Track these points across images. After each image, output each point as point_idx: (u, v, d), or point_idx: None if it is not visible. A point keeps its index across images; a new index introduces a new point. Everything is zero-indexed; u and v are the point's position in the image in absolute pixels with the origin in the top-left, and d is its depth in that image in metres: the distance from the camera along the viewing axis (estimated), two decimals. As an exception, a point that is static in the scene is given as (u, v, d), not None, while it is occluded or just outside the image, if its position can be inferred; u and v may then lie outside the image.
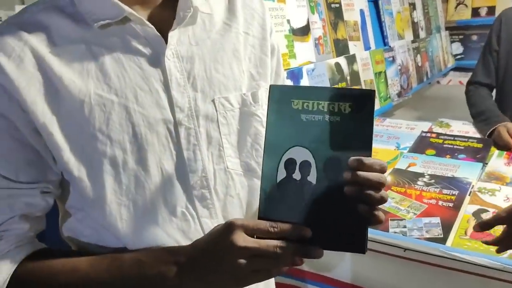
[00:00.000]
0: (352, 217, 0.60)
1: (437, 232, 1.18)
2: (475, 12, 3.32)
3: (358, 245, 0.61)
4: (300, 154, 0.62)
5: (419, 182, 1.38)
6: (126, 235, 0.67)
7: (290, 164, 0.62)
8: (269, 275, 0.62)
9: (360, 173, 0.59)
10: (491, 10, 3.26)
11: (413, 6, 2.59)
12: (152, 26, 0.65)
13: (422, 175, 1.41)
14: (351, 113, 0.61)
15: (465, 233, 1.16)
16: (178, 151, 0.68)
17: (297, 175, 0.62)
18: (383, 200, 0.60)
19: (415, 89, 2.39)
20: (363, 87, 1.85)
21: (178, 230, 0.69)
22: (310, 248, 0.60)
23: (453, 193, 1.31)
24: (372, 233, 1.19)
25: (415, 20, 2.60)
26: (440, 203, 1.28)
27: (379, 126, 1.82)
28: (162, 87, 0.66)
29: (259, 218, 0.62)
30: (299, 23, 1.53)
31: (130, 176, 0.65)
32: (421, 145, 1.61)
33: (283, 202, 0.62)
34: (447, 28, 3.34)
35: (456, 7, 3.41)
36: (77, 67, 0.62)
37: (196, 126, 0.68)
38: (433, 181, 1.38)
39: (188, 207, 0.69)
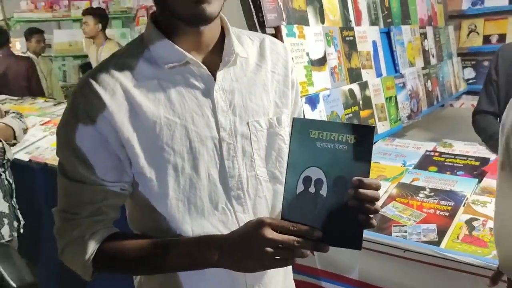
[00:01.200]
0: (352, 223, 0.80)
1: (433, 236, 1.37)
2: (486, 39, 3.50)
3: (356, 243, 0.81)
4: (315, 173, 0.81)
5: (420, 195, 1.57)
6: (181, 224, 0.89)
7: (307, 181, 0.81)
8: (286, 263, 0.82)
9: (361, 190, 0.79)
10: (501, 37, 3.45)
11: (424, 35, 2.80)
12: (205, 67, 0.89)
13: (423, 188, 1.61)
14: (355, 143, 0.80)
15: (457, 237, 1.35)
16: (221, 161, 0.90)
17: (312, 189, 0.81)
18: (376, 211, 0.80)
19: (425, 112, 2.58)
20: (375, 111, 2.06)
21: (219, 222, 0.91)
22: (320, 244, 0.81)
23: (449, 204, 1.50)
24: (377, 236, 1.40)
25: (426, 48, 2.81)
26: (437, 212, 1.47)
27: (389, 145, 2.02)
28: (211, 113, 0.89)
29: (282, 219, 0.82)
30: (316, 55, 1.77)
31: (186, 178, 0.88)
32: (424, 162, 1.81)
33: (301, 209, 0.81)
34: (459, 54, 3.52)
35: (468, 35, 3.61)
36: (151, 97, 0.86)
37: (234, 142, 0.91)
38: (432, 193, 1.57)
39: (227, 204, 0.92)
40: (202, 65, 0.88)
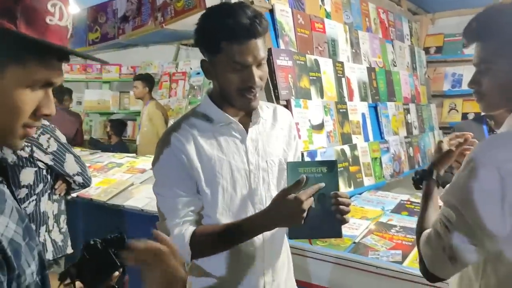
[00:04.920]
0: (334, 221, 1.30)
1: (398, 258, 1.84)
2: (464, 116, 4.09)
3: (338, 234, 1.31)
4: None
5: (392, 230, 2.05)
6: (224, 222, 1.38)
7: None
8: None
9: (339, 198, 1.29)
10: (477, 115, 4.02)
11: (407, 110, 3.38)
12: (241, 125, 1.41)
13: (395, 226, 2.09)
14: (327, 172, 1.30)
15: (417, 259, 1.81)
16: (249, 185, 1.41)
17: None
18: (349, 211, 1.30)
19: (406, 173, 3.09)
20: (362, 167, 2.58)
21: None
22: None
23: (413, 237, 1.97)
24: (357, 257, 1.87)
25: (409, 121, 3.38)
26: (403, 242, 1.95)
27: (373, 196, 2.52)
28: (244, 153, 1.40)
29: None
30: (316, 121, 2.32)
31: (228, 195, 1.38)
32: (398, 208, 2.30)
33: None
34: (441, 128, 4.09)
35: (449, 112, 4.21)
36: (209, 143, 1.38)
37: (258, 173, 1.42)
38: (402, 230, 2.05)
39: (252, 211, 1.41)
40: (239, 124, 1.41)
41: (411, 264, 1.78)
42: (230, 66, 1.29)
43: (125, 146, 5.51)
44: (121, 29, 2.97)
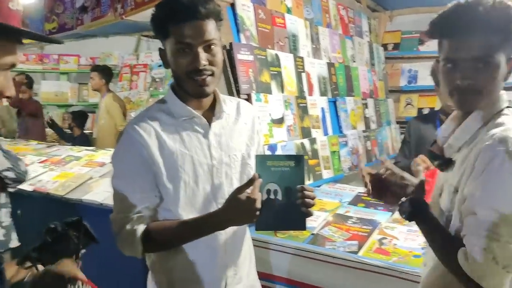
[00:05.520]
0: (299, 213, 1.32)
1: (354, 248, 1.91)
2: (420, 111, 4.25)
3: (301, 226, 1.34)
4: (272, 186, 1.32)
5: (349, 221, 2.12)
6: (185, 218, 1.39)
7: (268, 192, 1.32)
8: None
9: (305, 192, 1.31)
10: (431, 110, 4.19)
11: (365, 105, 3.48)
12: (204, 119, 1.43)
13: (352, 217, 2.16)
14: (294, 166, 1.33)
15: (371, 249, 1.89)
16: (212, 179, 1.41)
17: (272, 196, 1.32)
18: (314, 204, 1.32)
19: (364, 166, 3.19)
20: (321, 161, 2.64)
21: None
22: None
23: (369, 228, 2.05)
24: (315, 248, 1.93)
25: (367, 116, 3.48)
26: (359, 233, 2.02)
27: (331, 188, 2.59)
28: (207, 148, 1.42)
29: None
30: (277, 116, 2.36)
31: (190, 189, 1.39)
32: (355, 200, 2.37)
33: (266, 209, 1.30)
34: (398, 122, 4.23)
35: (405, 107, 4.36)
36: (171, 137, 1.38)
37: (221, 168, 1.43)
38: (358, 221, 2.12)
39: (214, 207, 1.41)
40: (203, 118, 1.42)
41: (366, 254, 1.86)
42: (177, 48, 1.32)
43: (88, 139, 5.39)
44: (79, 19, 2.91)
